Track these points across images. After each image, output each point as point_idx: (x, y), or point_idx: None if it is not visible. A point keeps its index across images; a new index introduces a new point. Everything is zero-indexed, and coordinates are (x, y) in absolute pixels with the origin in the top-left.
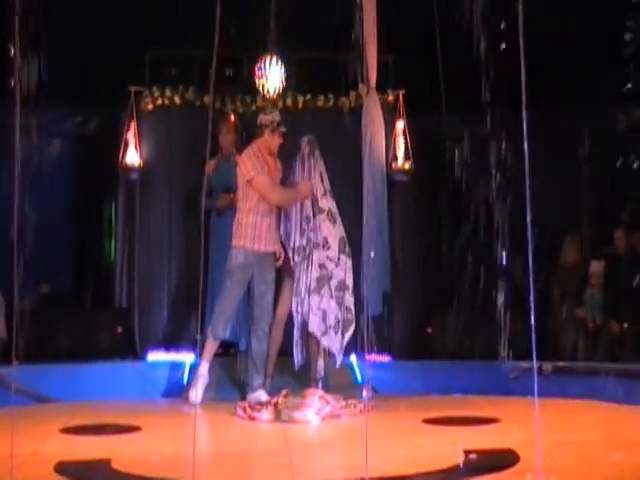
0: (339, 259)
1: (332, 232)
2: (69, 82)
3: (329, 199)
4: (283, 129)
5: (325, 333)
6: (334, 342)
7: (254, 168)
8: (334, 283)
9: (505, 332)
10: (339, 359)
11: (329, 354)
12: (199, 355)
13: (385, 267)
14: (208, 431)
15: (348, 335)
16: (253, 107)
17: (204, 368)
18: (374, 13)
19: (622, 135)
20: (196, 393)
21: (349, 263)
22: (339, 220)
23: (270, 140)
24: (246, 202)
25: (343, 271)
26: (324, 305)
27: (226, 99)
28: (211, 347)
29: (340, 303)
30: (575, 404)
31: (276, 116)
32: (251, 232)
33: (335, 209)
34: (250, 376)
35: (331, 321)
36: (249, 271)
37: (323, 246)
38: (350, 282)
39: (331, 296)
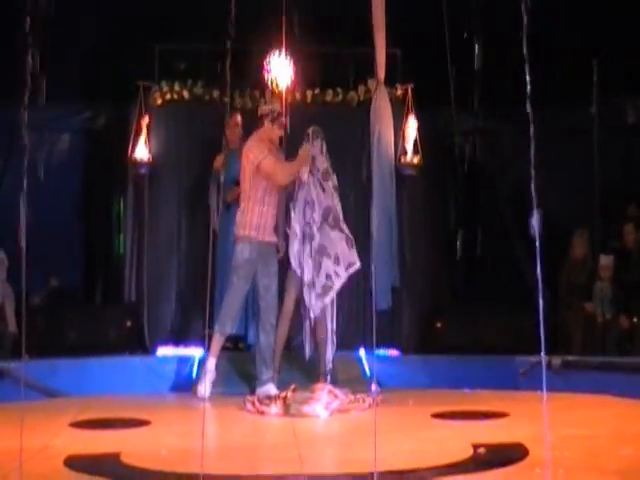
0: (321, 225)
1: (319, 196)
2: (78, 77)
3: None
4: (283, 119)
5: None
6: (306, 296)
7: (261, 152)
8: (314, 245)
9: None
10: (312, 313)
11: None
12: (207, 350)
13: (394, 261)
14: (217, 425)
15: (326, 300)
16: (262, 102)
17: (211, 363)
18: (383, 8)
19: (631, 129)
20: (204, 388)
21: (333, 234)
22: (330, 191)
23: (270, 130)
24: (254, 192)
25: (324, 238)
26: (303, 259)
27: (235, 94)
28: (218, 342)
29: (317, 267)
30: (584, 399)
31: (276, 106)
32: (257, 221)
33: (327, 185)
34: (259, 370)
35: (306, 277)
36: (254, 266)
37: (311, 204)
38: (333, 252)
39: (310, 255)
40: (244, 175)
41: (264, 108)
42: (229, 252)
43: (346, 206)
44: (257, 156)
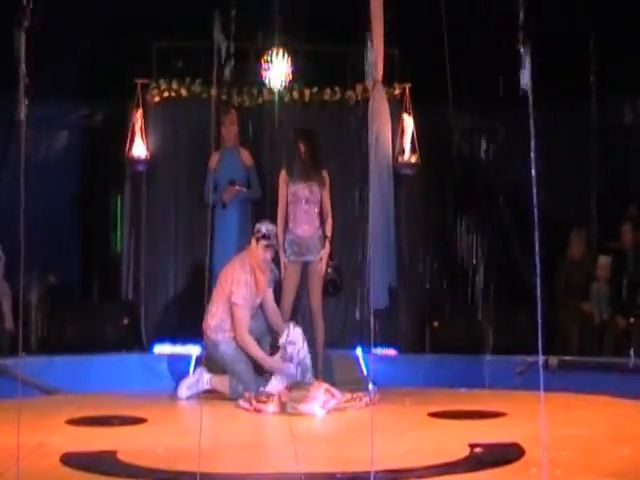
0: None
1: None
2: (76, 74)
3: None
4: (266, 242)
5: None
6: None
7: (243, 298)
8: None
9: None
10: None
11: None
12: (204, 348)
13: (391, 261)
14: (214, 423)
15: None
16: (259, 100)
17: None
18: (381, 6)
19: (629, 128)
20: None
21: None
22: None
23: (255, 250)
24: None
25: None
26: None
27: (232, 92)
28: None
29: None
30: (581, 399)
31: (263, 228)
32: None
33: None
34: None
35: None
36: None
37: None
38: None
39: None
40: (219, 288)
41: (256, 225)
42: (227, 250)
43: (344, 205)
44: (233, 291)
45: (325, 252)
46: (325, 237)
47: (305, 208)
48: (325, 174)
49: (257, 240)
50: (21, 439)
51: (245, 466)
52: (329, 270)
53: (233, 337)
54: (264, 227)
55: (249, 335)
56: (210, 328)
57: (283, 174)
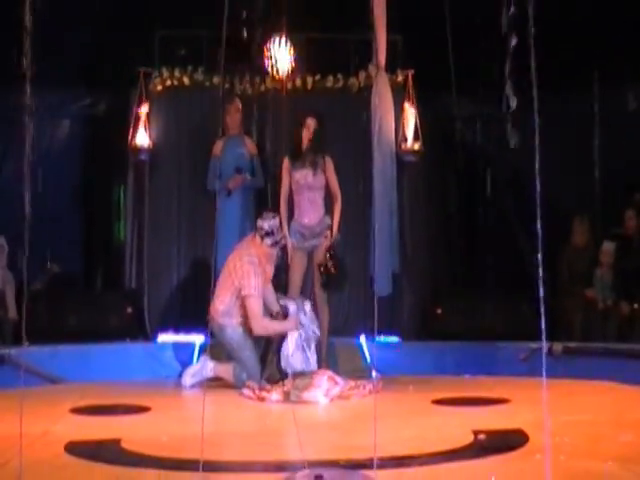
0: None
1: None
2: (78, 63)
3: None
4: (270, 241)
5: None
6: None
7: (255, 288)
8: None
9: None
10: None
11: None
12: (209, 336)
13: (394, 248)
14: (217, 411)
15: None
16: (262, 88)
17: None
18: None
19: (632, 115)
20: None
21: None
22: None
23: (259, 246)
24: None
25: None
26: None
27: (235, 80)
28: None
29: None
30: (585, 385)
31: (265, 225)
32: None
33: None
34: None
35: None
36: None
37: None
38: None
39: None
40: (227, 275)
41: (258, 222)
42: (230, 238)
43: (347, 193)
44: (245, 284)
45: (327, 239)
46: (331, 225)
47: (309, 196)
48: (328, 159)
49: (261, 238)
50: (24, 428)
51: (249, 454)
52: (327, 255)
53: (240, 323)
54: (266, 224)
55: (265, 319)
56: (218, 313)
57: (286, 162)
